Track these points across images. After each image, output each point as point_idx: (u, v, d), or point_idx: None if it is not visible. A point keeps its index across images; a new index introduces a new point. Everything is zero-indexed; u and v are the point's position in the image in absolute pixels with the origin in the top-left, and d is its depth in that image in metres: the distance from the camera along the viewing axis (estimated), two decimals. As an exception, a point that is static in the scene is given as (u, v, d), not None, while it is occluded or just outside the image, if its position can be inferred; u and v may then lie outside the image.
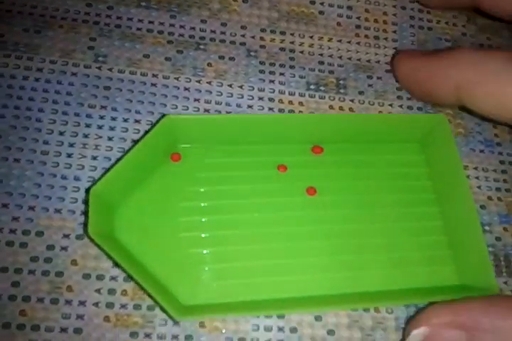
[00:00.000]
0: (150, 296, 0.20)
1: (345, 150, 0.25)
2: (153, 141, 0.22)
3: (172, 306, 0.19)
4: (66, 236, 0.22)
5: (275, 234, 0.22)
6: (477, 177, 0.26)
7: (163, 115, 0.23)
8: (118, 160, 0.23)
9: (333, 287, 0.22)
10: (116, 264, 0.21)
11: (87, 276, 0.21)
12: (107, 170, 0.23)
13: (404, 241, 0.23)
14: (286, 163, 0.24)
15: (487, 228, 0.24)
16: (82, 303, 0.21)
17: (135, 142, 0.24)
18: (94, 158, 0.24)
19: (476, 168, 0.26)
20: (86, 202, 0.22)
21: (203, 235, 0.22)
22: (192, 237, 0.22)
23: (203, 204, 0.23)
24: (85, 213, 0.22)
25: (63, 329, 0.20)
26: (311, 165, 0.24)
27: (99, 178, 0.21)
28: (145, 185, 0.22)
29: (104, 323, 0.21)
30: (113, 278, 0.21)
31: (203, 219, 0.22)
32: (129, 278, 0.21)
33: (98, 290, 0.21)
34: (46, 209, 0.22)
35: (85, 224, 0.21)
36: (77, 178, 0.23)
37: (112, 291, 0.21)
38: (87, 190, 0.22)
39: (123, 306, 0.21)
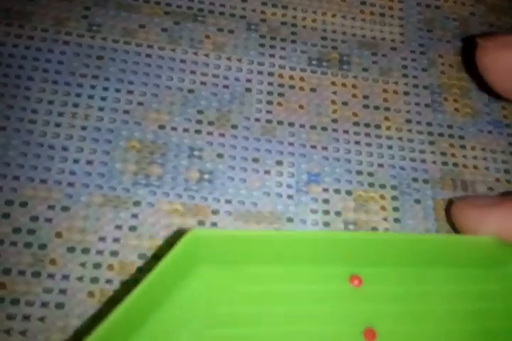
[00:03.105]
0: None
1: (404, 279, 0.19)
2: (170, 267, 0.16)
3: None
4: (51, 207, 0.21)
5: None
6: (485, 159, 0.25)
7: (182, 231, 0.17)
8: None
9: None
10: None
11: (71, 249, 0.20)
12: (97, 323, 0.15)
13: None
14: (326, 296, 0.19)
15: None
16: (65, 277, 0.20)
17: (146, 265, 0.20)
18: (84, 128, 0.22)
19: (483, 149, 0.25)
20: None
21: None
22: None
23: None
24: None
25: (44, 304, 0.19)
26: (355, 299, 0.19)
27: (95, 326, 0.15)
28: (149, 325, 0.17)
29: (87, 298, 0.19)
30: (99, 252, 0.20)
31: None
32: None
33: (83, 264, 0.20)
34: (31, 179, 0.21)
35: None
36: (64, 148, 0.22)
37: (97, 266, 0.20)
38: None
39: (108, 281, 0.20)
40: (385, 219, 0.23)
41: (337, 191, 0.23)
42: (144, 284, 0.16)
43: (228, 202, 0.22)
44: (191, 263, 0.18)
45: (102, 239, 0.20)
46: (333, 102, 0.25)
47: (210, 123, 0.24)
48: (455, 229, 0.22)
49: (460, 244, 0.19)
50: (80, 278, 0.20)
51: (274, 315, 0.18)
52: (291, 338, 0.18)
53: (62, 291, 0.19)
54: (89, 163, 0.22)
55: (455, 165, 0.24)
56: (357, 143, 0.24)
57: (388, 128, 0.25)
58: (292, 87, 0.25)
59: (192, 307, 0.17)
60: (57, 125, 0.22)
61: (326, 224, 0.22)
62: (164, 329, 0.17)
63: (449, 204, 0.22)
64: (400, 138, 0.24)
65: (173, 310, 0.17)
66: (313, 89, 0.25)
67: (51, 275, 0.20)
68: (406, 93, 0.26)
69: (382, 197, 0.23)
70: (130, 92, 0.24)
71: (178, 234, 0.21)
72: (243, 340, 0.17)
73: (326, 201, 0.23)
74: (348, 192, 0.23)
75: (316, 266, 0.19)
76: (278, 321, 0.18)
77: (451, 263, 0.20)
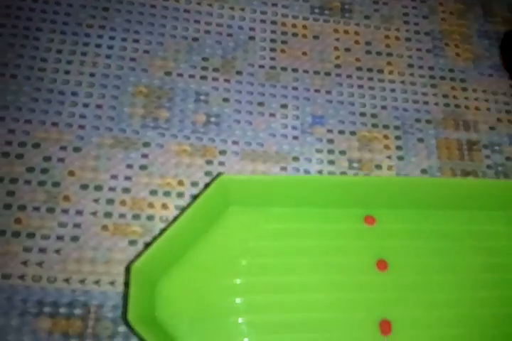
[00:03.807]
0: None
1: (414, 219, 0.21)
2: (204, 205, 0.18)
3: None
4: (63, 148, 0.21)
5: (348, 321, 0.19)
6: (486, 100, 0.25)
7: (216, 176, 0.20)
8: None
9: None
10: None
11: (84, 187, 0.21)
12: (148, 245, 0.18)
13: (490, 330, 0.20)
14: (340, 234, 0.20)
15: (497, 148, 0.24)
16: (79, 212, 0.20)
17: (183, 209, 0.20)
18: (92, 74, 0.23)
19: (484, 91, 0.25)
20: (126, 280, 0.19)
21: (240, 320, 0.18)
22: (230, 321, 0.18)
23: (248, 282, 0.19)
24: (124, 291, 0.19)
25: (59, 237, 0.20)
26: (371, 236, 0.20)
27: (142, 251, 0.18)
28: (189, 255, 0.19)
29: (101, 232, 0.20)
30: (111, 189, 0.21)
31: (241, 301, 0.19)
32: None
33: (96, 200, 0.21)
34: (43, 122, 0.22)
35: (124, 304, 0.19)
36: (74, 94, 0.23)
37: (110, 201, 0.21)
38: (127, 268, 0.19)
39: (122, 216, 0.20)
40: (389, 157, 0.23)
41: (341, 132, 0.23)
42: (178, 223, 0.18)
43: (235, 143, 0.23)
44: (222, 206, 0.20)
45: (114, 177, 0.21)
46: (336, 49, 0.25)
47: (215, 69, 0.24)
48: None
49: (470, 187, 0.21)
50: (94, 213, 0.20)
51: (296, 248, 0.20)
52: (311, 267, 0.20)
53: (77, 225, 0.20)
54: (99, 107, 0.22)
55: (457, 106, 0.25)
56: (360, 87, 0.25)
57: (391, 72, 0.25)
58: (295, 34, 0.25)
59: (226, 241, 0.20)
60: (67, 72, 0.23)
61: (331, 163, 0.23)
62: (203, 259, 0.19)
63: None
64: (403, 82, 0.25)
65: (210, 244, 0.19)
66: (315, 37, 0.25)
67: (65, 211, 0.20)
68: (408, 39, 0.26)
69: (385, 136, 0.23)
70: (136, 41, 0.24)
71: (186, 171, 0.21)
72: (270, 268, 0.19)
73: (330, 141, 0.23)
74: (352, 133, 0.23)
75: (333, 208, 0.21)
76: (299, 253, 0.20)
77: (459, 205, 0.21)
